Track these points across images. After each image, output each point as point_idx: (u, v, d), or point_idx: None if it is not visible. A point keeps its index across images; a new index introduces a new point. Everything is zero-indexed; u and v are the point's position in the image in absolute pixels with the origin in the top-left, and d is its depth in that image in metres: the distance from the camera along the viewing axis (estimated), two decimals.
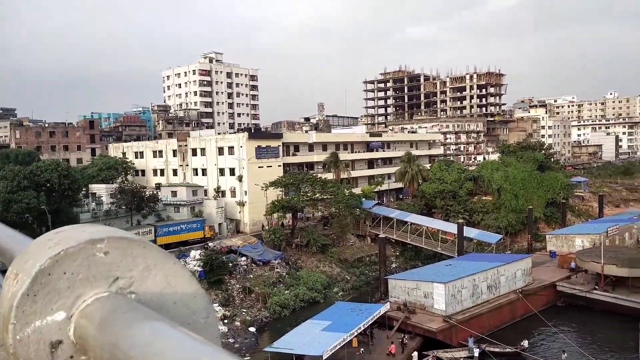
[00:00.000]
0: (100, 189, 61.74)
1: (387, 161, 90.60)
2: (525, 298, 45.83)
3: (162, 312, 1.31)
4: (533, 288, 47.55)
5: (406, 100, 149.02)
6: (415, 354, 36.31)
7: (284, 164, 70.83)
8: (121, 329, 1.10)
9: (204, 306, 1.39)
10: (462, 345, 38.06)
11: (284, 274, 53.18)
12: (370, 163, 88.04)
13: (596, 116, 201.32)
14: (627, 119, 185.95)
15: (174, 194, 62.30)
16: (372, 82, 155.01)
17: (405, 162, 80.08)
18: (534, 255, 56.83)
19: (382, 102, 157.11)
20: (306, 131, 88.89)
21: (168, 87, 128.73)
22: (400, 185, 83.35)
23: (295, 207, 59.86)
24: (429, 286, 42.04)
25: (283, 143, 72.17)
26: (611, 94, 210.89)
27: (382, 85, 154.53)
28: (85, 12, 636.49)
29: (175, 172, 76.24)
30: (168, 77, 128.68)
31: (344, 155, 78.82)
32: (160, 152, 79.34)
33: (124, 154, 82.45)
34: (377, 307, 39.58)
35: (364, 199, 70.62)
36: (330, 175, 70.99)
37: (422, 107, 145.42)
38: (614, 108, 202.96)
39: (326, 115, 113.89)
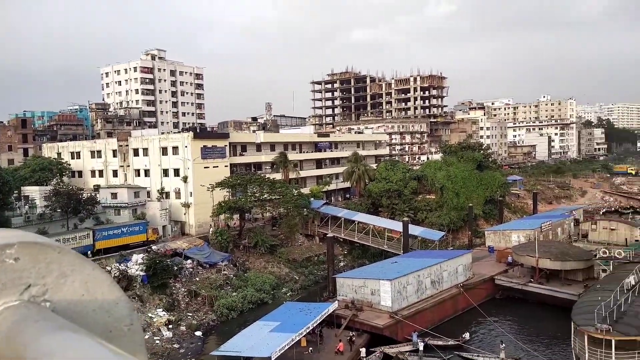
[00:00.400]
0: (34, 192, 58.26)
1: (335, 161, 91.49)
2: (466, 292, 47.71)
3: (81, 320, 1.24)
4: (473, 282, 49.61)
5: (353, 101, 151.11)
6: (363, 350, 36.90)
7: (230, 164, 69.82)
8: (29, 339, 1.03)
9: (127, 313, 1.33)
10: (408, 340, 39.10)
11: (232, 275, 52.45)
12: (319, 163, 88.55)
13: (530, 118, 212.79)
14: (558, 120, 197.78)
15: (114, 195, 59.81)
16: (319, 82, 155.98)
17: (352, 162, 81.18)
18: (474, 251, 59.26)
19: (329, 103, 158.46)
20: (254, 131, 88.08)
21: (107, 84, 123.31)
22: (347, 184, 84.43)
23: (243, 208, 59.19)
24: (375, 283, 42.83)
25: (230, 143, 71.14)
26: (544, 97, 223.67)
27: (329, 86, 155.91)
28: (17, 6, 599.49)
29: (115, 173, 73.25)
30: (107, 74, 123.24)
31: (293, 156, 78.80)
32: (99, 152, 75.94)
33: (59, 154, 78.22)
34: (325, 306, 39.84)
35: (312, 199, 70.94)
36: (278, 176, 70.74)
37: (369, 107, 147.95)
38: (547, 110, 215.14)
39: (274, 116, 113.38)
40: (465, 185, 79.61)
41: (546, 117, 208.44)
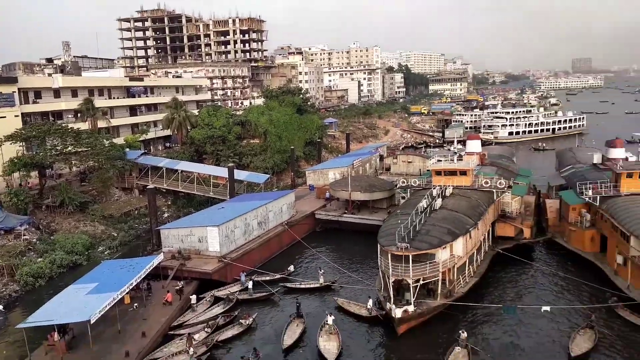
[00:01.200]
0: None
1: (152, 107, 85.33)
2: (291, 229, 50.58)
3: None
4: (297, 219, 52.71)
5: (168, 42, 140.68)
6: (193, 297, 36.77)
7: (22, 113, 59.85)
8: None
9: None
10: (236, 281, 40.19)
11: (35, 240, 46.34)
12: (133, 110, 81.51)
13: (343, 64, 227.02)
14: (366, 66, 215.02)
15: None
16: (127, 20, 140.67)
17: (171, 108, 76.74)
18: (296, 190, 62.66)
19: (141, 44, 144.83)
20: (49, 74, 75.96)
21: None
22: (168, 132, 79.99)
23: (42, 164, 51.74)
24: (202, 231, 42.41)
25: (19, 89, 60.61)
26: (354, 44, 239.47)
27: (140, 24, 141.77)
28: None
29: None
30: None
31: (101, 102, 70.88)
32: None
33: None
34: (149, 259, 38.12)
35: (127, 150, 65.57)
36: (84, 125, 63.23)
37: (186, 50, 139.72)
38: (356, 57, 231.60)
39: (74, 57, 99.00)
40: (287, 129, 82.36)
41: (356, 63, 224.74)
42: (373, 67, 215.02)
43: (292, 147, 77.09)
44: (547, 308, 31.37)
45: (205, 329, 32.80)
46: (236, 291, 38.69)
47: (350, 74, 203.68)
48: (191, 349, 29.15)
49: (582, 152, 59.86)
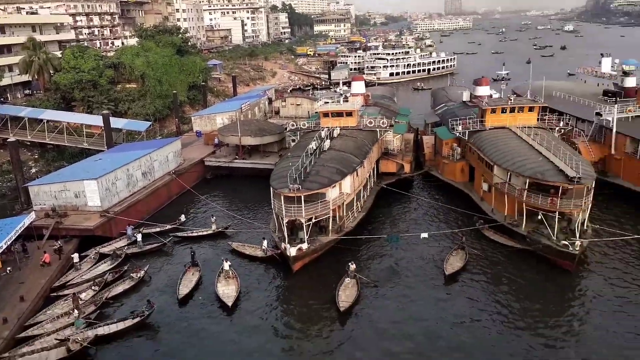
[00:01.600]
0: None
1: (4, 50, 74.02)
2: (179, 178, 48.76)
3: None
4: (185, 167, 50.83)
5: None
6: (75, 255, 34.42)
7: None
8: None
9: None
10: (123, 235, 38.26)
11: None
12: None
13: (224, 1, 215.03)
14: (249, 4, 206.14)
15: None
16: None
17: (29, 49, 67.40)
18: (182, 137, 59.99)
19: None
20: None
21: None
22: (27, 77, 70.46)
23: None
24: (79, 185, 39.18)
25: None
26: None
27: None
28: None
29: None
30: None
31: None
32: None
33: None
34: (19, 220, 34.47)
35: None
36: None
37: None
38: None
39: None
40: (167, 72, 77.01)
41: (238, 1, 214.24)
42: (256, 5, 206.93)
43: (174, 91, 72.80)
44: (425, 234, 34.63)
45: (92, 287, 31.21)
46: (123, 246, 36.89)
47: (233, 12, 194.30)
48: (75, 311, 27.62)
49: (454, 91, 64.62)
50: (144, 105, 70.28)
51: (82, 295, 30.07)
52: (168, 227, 40.21)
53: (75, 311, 27.78)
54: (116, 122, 57.85)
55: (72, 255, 34.36)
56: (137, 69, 73.47)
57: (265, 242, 35.17)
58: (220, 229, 39.36)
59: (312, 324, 27.17)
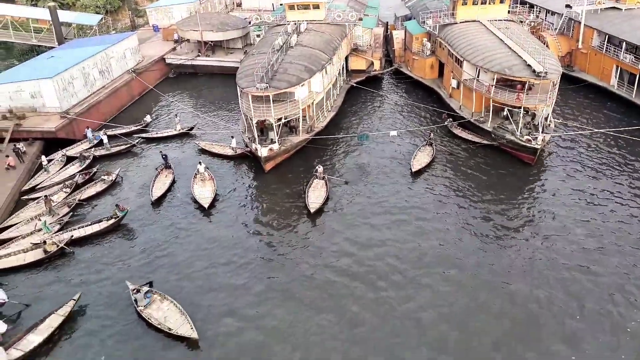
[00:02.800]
0: None
1: None
2: (140, 76, 46.52)
3: None
4: (145, 65, 48.24)
5: None
6: (43, 157, 33.63)
7: None
8: None
9: None
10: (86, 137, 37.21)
11: None
12: None
13: None
14: None
15: None
16: None
17: None
18: (138, 32, 56.07)
19: None
20: None
21: None
22: None
23: None
24: (34, 85, 36.99)
25: None
26: None
27: None
28: None
29: None
30: None
31: None
32: None
33: None
34: None
35: None
36: None
37: None
38: None
39: None
40: None
41: None
42: None
43: None
44: (395, 132, 35.16)
45: (64, 190, 30.88)
46: (90, 147, 36.01)
47: None
48: (47, 215, 27.58)
49: None
50: None
51: (54, 197, 29.80)
52: (133, 128, 39.18)
53: (47, 215, 27.73)
54: (64, 16, 53.34)
55: (41, 157, 33.53)
56: None
57: (233, 141, 35.08)
58: (184, 130, 38.66)
59: (285, 220, 28.11)
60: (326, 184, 30.65)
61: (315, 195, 29.77)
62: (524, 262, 24.20)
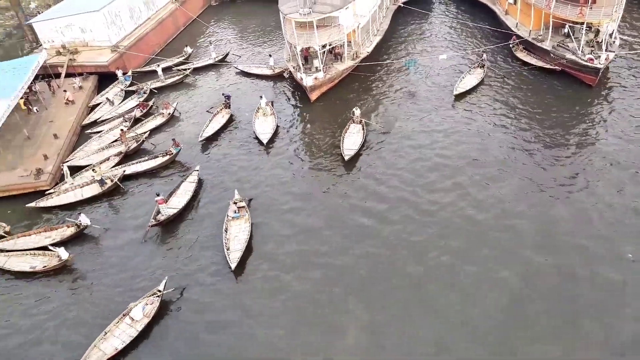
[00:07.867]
0: None
1: None
2: (183, 6, 46.16)
3: None
4: None
5: None
6: (109, 91, 35.23)
7: None
8: None
9: None
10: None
11: None
12: None
13: None
14: None
15: None
16: None
17: None
18: None
19: None
20: None
21: None
22: None
23: None
24: (83, 19, 37.68)
25: None
26: None
27: None
28: None
29: None
30: None
31: None
32: None
33: None
34: (31, 59, 34.23)
35: None
36: None
37: None
38: None
39: None
40: None
41: None
42: None
43: None
44: (444, 56, 33.53)
45: (124, 124, 31.27)
46: (150, 82, 36.34)
47: None
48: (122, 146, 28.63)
49: None
50: None
51: (111, 135, 30.42)
52: (175, 60, 39.25)
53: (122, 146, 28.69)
54: None
55: (107, 94, 34.93)
56: None
57: (271, 59, 35.75)
58: (221, 56, 38.75)
59: (324, 159, 27.11)
60: (363, 129, 28.40)
61: (352, 142, 27.59)
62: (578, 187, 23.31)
